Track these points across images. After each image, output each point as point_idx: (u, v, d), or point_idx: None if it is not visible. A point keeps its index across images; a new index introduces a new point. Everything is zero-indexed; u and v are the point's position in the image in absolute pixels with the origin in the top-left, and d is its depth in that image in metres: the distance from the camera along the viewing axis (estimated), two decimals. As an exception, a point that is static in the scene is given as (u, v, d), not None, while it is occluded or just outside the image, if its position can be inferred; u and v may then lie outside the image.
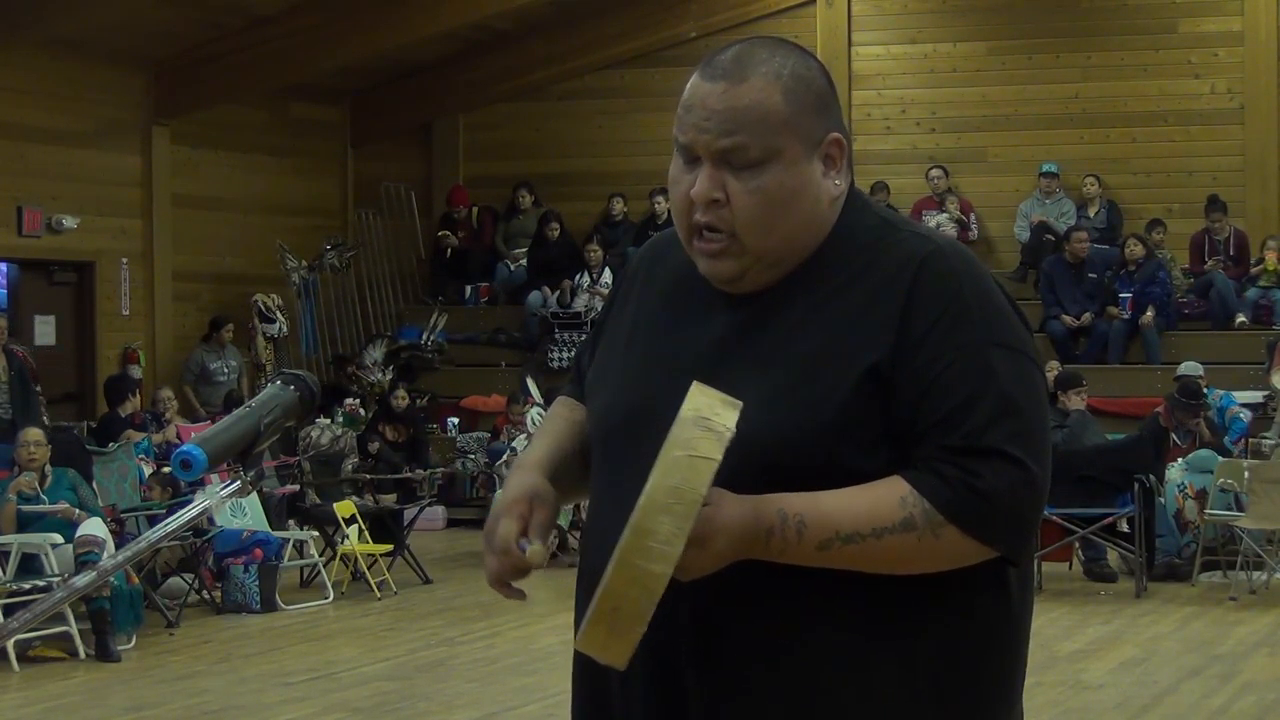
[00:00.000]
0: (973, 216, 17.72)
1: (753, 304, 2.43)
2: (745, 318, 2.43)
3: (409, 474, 14.48)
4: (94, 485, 11.54)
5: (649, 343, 2.51)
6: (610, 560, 2.19)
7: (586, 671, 2.50)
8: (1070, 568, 12.89)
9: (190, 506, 2.33)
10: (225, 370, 16.41)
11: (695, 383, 2.26)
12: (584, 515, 11.24)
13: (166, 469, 12.54)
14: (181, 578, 11.66)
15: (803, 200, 2.40)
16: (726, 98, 2.39)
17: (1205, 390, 14.30)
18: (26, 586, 10.07)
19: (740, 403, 2.24)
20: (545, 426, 2.68)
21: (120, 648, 10.12)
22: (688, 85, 2.46)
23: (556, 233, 18.40)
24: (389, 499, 14.17)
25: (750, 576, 2.33)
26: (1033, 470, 2.32)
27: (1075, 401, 13.01)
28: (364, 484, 14.23)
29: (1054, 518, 11.69)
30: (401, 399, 15.59)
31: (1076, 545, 12.67)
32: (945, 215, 17.23)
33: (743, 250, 2.40)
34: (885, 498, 2.30)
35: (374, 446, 14.59)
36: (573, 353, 17.51)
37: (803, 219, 2.41)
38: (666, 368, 2.43)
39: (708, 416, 2.20)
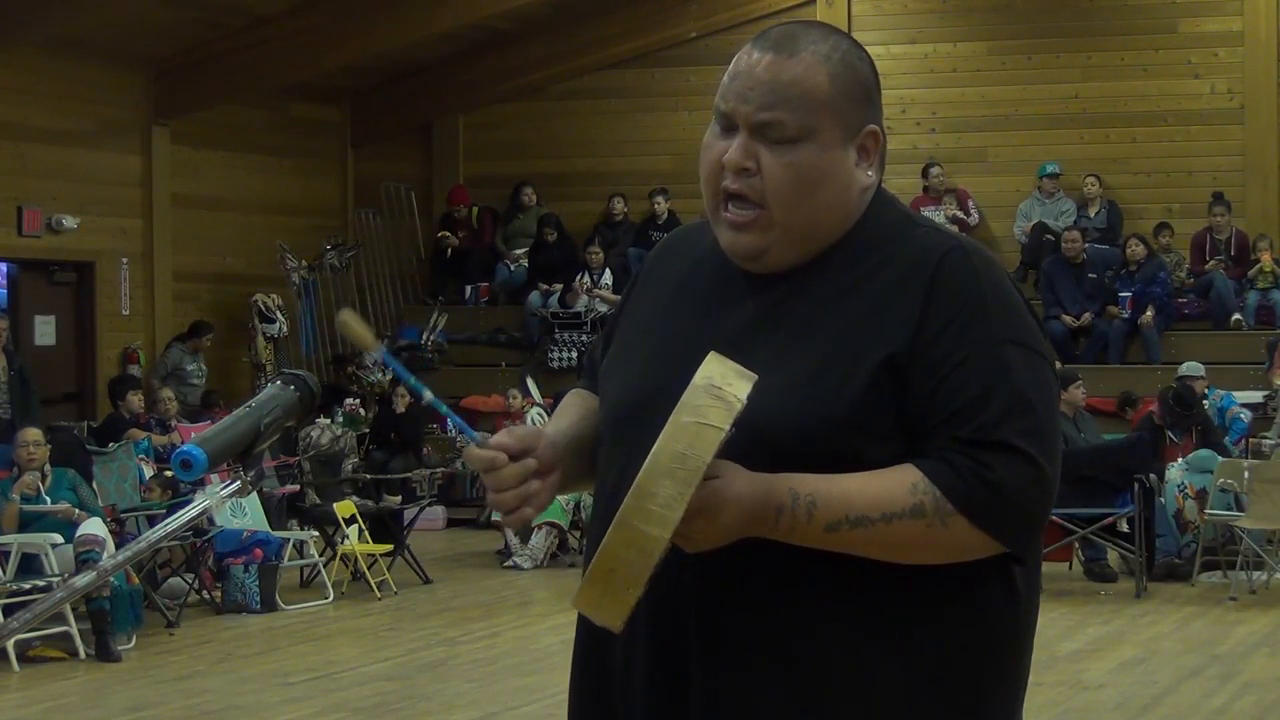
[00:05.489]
0: (971, 204, 17.70)
1: (773, 290, 2.44)
2: (765, 304, 2.44)
3: (405, 474, 14.52)
4: (94, 485, 11.54)
5: (666, 329, 2.52)
6: (611, 522, 2.20)
7: (588, 655, 2.51)
8: (1070, 568, 12.89)
9: (190, 506, 2.33)
10: (200, 374, 16.24)
11: (712, 352, 2.28)
12: (584, 515, 11.34)
13: (168, 472, 12.54)
14: (181, 578, 11.66)
15: (832, 184, 2.42)
16: (773, 69, 2.40)
17: (1206, 391, 14.31)
18: (26, 586, 10.07)
19: (755, 375, 2.25)
20: (559, 413, 2.69)
21: (120, 648, 10.12)
22: (736, 55, 2.47)
23: (554, 237, 18.40)
24: (394, 500, 14.17)
25: (757, 567, 2.34)
26: (1043, 468, 2.34)
27: (1075, 397, 13.03)
28: (363, 484, 14.24)
29: (1054, 518, 11.68)
30: (403, 397, 15.68)
31: (1076, 545, 12.67)
32: (940, 211, 17.12)
33: (770, 223, 2.40)
34: (896, 484, 2.31)
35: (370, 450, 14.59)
36: (573, 353, 17.52)
37: (830, 202, 2.42)
38: (684, 353, 2.43)
39: (719, 385, 2.21)
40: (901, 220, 2.48)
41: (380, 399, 16.86)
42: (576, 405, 2.68)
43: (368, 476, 14.44)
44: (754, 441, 2.26)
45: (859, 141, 2.44)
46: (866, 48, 2.56)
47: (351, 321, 2.41)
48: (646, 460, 2.18)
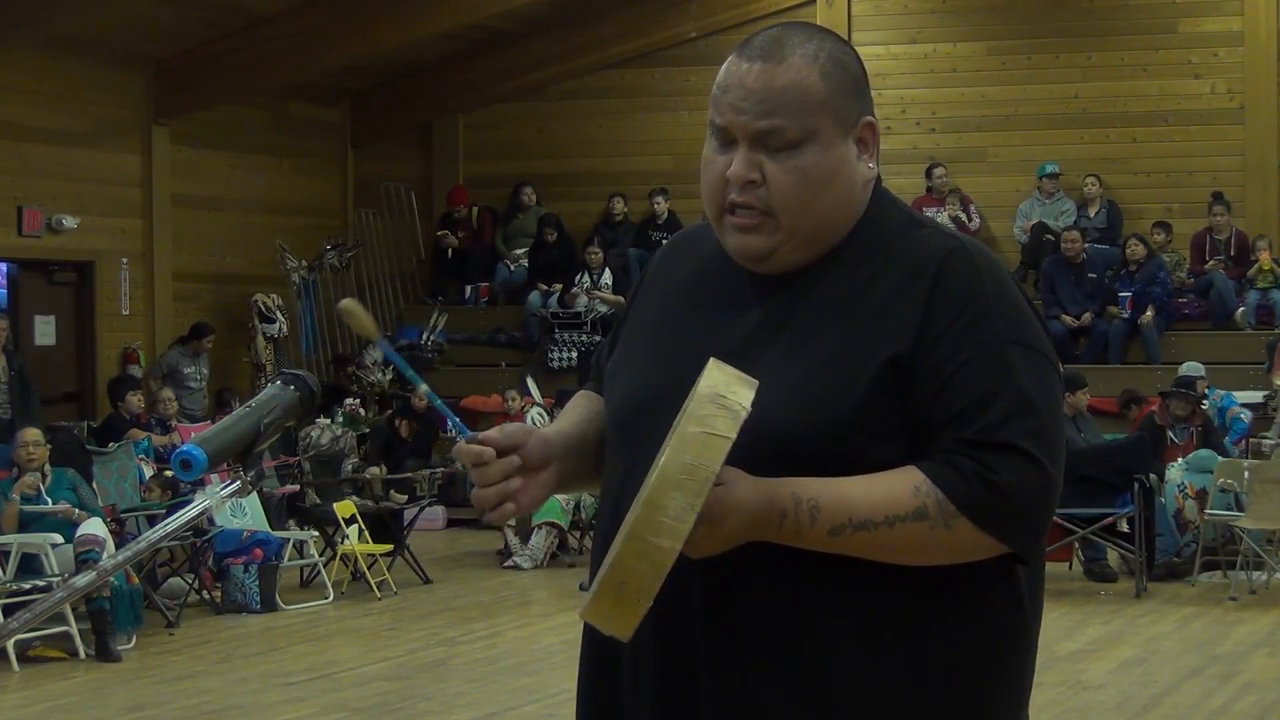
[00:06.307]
0: (973, 208, 17.70)
1: (779, 292, 2.44)
2: (771, 307, 2.44)
3: (408, 474, 14.51)
4: (94, 485, 11.54)
5: (673, 331, 2.52)
6: (620, 534, 2.20)
7: (596, 655, 2.52)
8: (1070, 568, 12.89)
9: (190, 506, 2.33)
10: (198, 377, 16.21)
11: (712, 359, 2.28)
12: (584, 515, 11.38)
13: (168, 471, 12.54)
14: (181, 578, 11.66)
15: (838, 181, 2.42)
16: (764, 78, 2.40)
17: (1206, 391, 14.31)
18: (26, 586, 10.07)
19: (756, 381, 2.25)
20: (564, 413, 2.69)
21: (120, 648, 10.12)
22: (723, 67, 2.46)
23: (554, 237, 18.41)
24: (400, 498, 14.17)
25: (763, 571, 2.34)
26: (1047, 469, 2.34)
27: (1080, 400, 13.05)
28: (363, 484, 14.22)
29: (1054, 517, 11.68)
30: (420, 398, 15.71)
31: (1076, 545, 12.67)
32: (943, 212, 17.13)
33: (777, 227, 2.41)
34: (899, 486, 2.31)
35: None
36: (573, 353, 17.51)
37: (837, 200, 2.43)
38: (690, 355, 2.43)
39: (724, 394, 2.21)
40: (905, 220, 2.48)
41: (380, 398, 16.85)
42: (581, 405, 2.68)
43: (369, 477, 14.43)
44: (757, 443, 2.25)
45: (857, 134, 2.45)
46: (867, 48, 2.57)
47: (354, 310, 2.42)
48: (654, 472, 2.17)
